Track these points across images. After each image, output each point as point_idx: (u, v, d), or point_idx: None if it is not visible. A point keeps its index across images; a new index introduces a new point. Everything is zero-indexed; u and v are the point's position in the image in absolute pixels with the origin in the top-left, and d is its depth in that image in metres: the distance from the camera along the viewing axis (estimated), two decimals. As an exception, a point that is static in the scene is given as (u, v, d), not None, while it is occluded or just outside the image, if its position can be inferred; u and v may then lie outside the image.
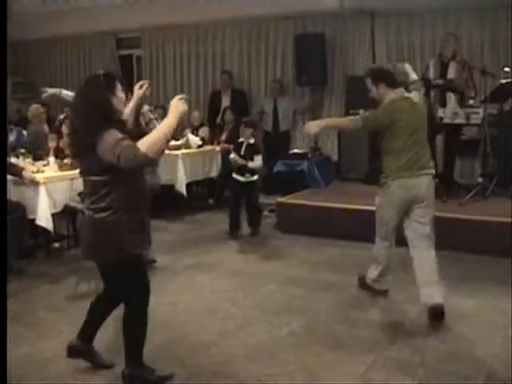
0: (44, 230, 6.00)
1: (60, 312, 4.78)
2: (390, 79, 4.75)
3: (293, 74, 9.57)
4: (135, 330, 3.52)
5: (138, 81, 11.99)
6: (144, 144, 3.12)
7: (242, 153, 7.12)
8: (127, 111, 4.01)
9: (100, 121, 3.20)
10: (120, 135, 3.16)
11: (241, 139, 7.24)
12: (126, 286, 3.47)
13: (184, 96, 3.33)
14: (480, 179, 7.21)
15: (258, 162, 7.13)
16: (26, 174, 5.85)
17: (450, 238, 6.22)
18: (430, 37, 8.66)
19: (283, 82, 9.78)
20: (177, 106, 3.25)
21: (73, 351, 3.76)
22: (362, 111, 8.77)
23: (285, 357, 3.97)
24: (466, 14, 8.34)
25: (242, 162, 7.06)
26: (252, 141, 7.19)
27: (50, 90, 6.00)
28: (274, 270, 5.86)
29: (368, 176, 8.33)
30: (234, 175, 7.20)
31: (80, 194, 6.14)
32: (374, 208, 6.45)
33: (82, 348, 3.75)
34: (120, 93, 3.33)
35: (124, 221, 3.31)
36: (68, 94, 5.70)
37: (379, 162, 8.50)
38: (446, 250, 6.09)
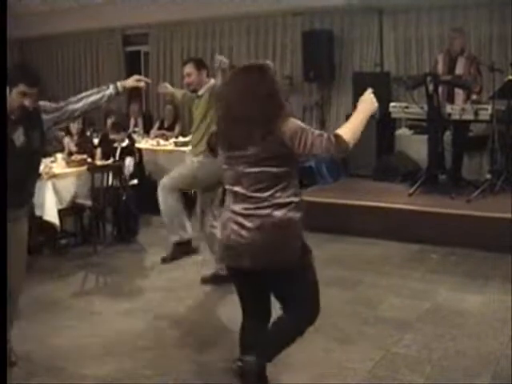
0: (50, 226, 6.00)
1: (66, 308, 4.79)
2: (208, 69, 5.38)
3: (301, 70, 9.54)
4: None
5: (145, 76, 11.78)
6: (346, 133, 3.00)
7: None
8: None
9: (277, 108, 3.01)
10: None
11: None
12: (294, 289, 3.27)
13: None
14: (488, 176, 7.16)
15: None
16: None
17: (457, 235, 6.22)
18: (438, 33, 8.61)
19: (293, 78, 9.75)
20: (369, 102, 3.05)
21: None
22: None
23: (292, 353, 3.96)
24: (474, 9, 8.30)
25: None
26: (124, 144, 7.06)
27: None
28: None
29: (376, 172, 8.31)
30: None
31: (91, 190, 6.15)
32: (382, 204, 6.42)
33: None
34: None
35: (299, 218, 3.08)
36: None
37: (387, 158, 8.51)
38: (453, 246, 6.09)
